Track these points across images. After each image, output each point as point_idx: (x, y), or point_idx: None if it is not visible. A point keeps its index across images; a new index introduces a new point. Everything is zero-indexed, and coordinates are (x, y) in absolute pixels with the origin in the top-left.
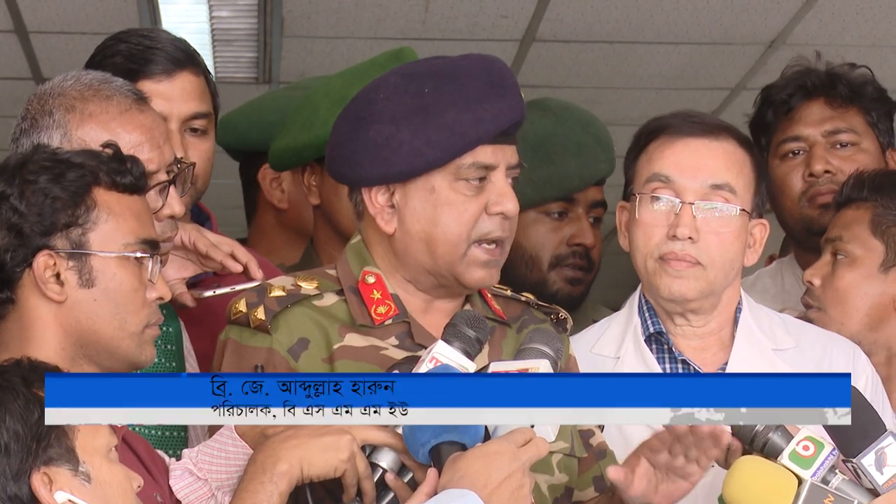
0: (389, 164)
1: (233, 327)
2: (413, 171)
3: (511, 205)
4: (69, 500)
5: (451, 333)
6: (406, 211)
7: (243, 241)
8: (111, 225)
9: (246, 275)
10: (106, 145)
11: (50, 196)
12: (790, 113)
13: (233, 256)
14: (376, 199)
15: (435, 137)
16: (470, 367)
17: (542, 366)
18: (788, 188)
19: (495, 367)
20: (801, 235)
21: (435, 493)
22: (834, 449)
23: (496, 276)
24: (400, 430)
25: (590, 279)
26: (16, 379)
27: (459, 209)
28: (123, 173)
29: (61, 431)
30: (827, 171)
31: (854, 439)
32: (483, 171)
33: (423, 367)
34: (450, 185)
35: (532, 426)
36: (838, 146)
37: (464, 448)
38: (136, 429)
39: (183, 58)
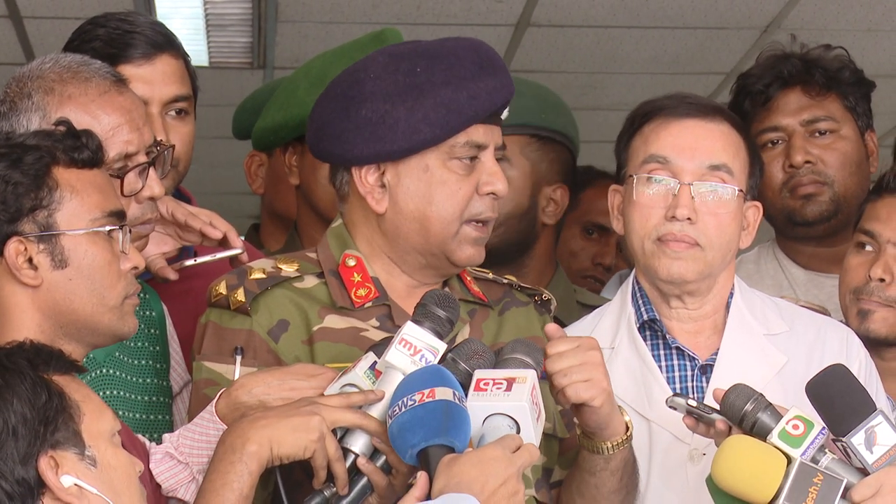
0: (384, 141)
1: (213, 310)
2: (409, 148)
3: (501, 185)
4: (76, 484)
5: (420, 314)
6: (398, 190)
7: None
8: (76, 202)
9: (224, 244)
10: (58, 123)
11: (11, 182)
12: (767, 103)
13: (211, 225)
14: (366, 179)
15: (432, 115)
16: (440, 347)
17: (530, 376)
18: (769, 178)
19: (480, 374)
20: (782, 226)
21: (426, 496)
22: (824, 428)
23: (483, 254)
24: (372, 412)
25: None
26: (22, 361)
27: (453, 188)
28: (80, 149)
29: (68, 415)
30: (807, 162)
31: (844, 418)
32: (475, 151)
33: (393, 349)
34: (443, 164)
35: (518, 433)
36: (817, 134)
37: (452, 451)
38: (120, 413)
39: (162, 41)
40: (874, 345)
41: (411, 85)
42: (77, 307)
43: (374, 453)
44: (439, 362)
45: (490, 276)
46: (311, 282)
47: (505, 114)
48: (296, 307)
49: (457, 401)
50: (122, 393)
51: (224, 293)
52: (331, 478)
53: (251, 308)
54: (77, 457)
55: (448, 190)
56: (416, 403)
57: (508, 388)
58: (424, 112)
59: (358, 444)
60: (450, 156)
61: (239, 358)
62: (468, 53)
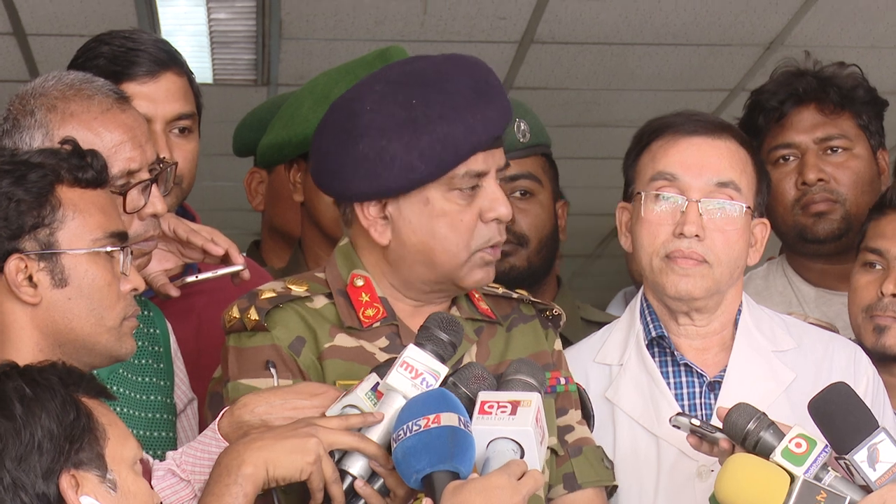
0: (381, 179)
1: (231, 336)
2: (407, 186)
3: (504, 209)
4: None
5: (423, 337)
6: (401, 223)
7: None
8: (78, 222)
9: (226, 261)
10: (64, 141)
11: (14, 199)
12: (781, 119)
13: (213, 242)
14: (368, 212)
15: (428, 151)
16: (442, 370)
17: (534, 399)
18: (781, 195)
19: (485, 396)
20: (794, 242)
21: None
22: (826, 446)
23: (492, 274)
24: (371, 434)
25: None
26: (54, 379)
27: (455, 219)
28: (85, 168)
29: (93, 437)
30: (820, 180)
31: (846, 436)
32: (476, 180)
33: (394, 372)
34: (443, 196)
35: (522, 456)
36: (830, 152)
37: (457, 477)
38: None
39: (166, 59)
40: (888, 361)
41: (408, 119)
42: (75, 327)
43: (371, 476)
44: (440, 385)
45: (500, 291)
46: (320, 302)
47: (522, 136)
48: (306, 325)
49: (462, 426)
50: (125, 409)
51: (237, 316)
52: (328, 500)
53: (268, 324)
54: (98, 479)
55: (450, 221)
56: (422, 429)
57: (513, 412)
58: (421, 149)
59: (356, 466)
60: (449, 187)
61: (274, 371)
62: (464, 80)
